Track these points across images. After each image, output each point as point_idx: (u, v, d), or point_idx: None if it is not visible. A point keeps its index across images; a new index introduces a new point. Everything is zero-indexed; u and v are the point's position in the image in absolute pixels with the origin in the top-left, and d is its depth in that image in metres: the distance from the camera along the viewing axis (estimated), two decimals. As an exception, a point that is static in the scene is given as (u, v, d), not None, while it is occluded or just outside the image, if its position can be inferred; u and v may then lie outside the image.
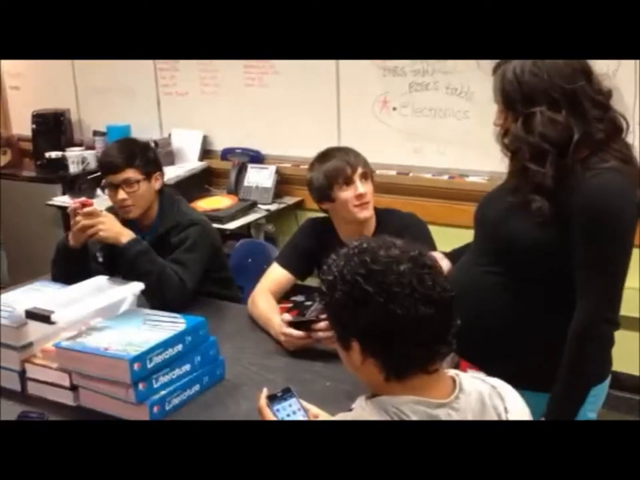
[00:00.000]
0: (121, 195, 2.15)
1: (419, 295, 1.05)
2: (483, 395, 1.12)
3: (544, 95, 1.43)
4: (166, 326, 1.65)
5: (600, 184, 1.41)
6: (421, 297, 1.05)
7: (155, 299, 1.97)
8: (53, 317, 1.64)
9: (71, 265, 2.12)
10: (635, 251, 2.40)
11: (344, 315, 1.10)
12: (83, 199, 2.12)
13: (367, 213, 2.02)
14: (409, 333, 1.05)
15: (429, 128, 3.07)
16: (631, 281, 2.36)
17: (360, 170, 2.00)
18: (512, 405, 1.13)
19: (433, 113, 3.04)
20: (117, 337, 1.60)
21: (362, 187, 1.99)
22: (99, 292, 1.83)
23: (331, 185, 1.99)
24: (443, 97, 3.00)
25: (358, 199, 1.99)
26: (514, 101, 1.47)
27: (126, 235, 2.06)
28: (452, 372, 1.15)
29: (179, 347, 1.60)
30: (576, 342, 1.45)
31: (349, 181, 1.98)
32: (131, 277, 1.97)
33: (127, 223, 2.15)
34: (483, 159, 2.83)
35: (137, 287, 1.85)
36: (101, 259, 2.22)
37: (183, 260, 2.11)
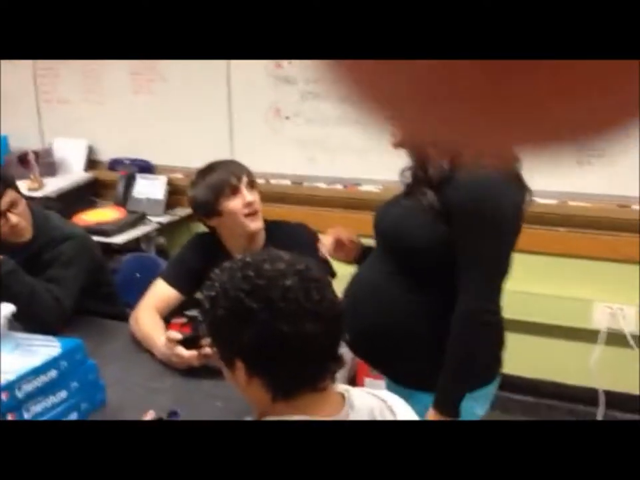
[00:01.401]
0: (13, 219, 1.96)
1: (305, 311, 1.00)
2: (373, 410, 1.08)
3: None
4: (39, 350, 1.51)
5: (474, 180, 1.44)
6: (308, 312, 1.00)
7: (28, 321, 1.82)
8: None
9: None
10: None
11: (227, 333, 1.04)
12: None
13: (258, 224, 1.94)
14: (296, 350, 1.00)
15: (321, 137, 3.05)
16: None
17: (245, 179, 1.92)
18: (403, 418, 1.11)
19: (326, 122, 3.03)
20: (-17, 364, 1.46)
21: (250, 195, 1.92)
22: (-36, 316, 1.67)
23: (217, 198, 1.89)
24: (335, 105, 3.00)
25: (247, 208, 1.91)
26: None
27: None
28: (342, 388, 1.11)
29: (53, 373, 1.47)
30: (458, 331, 1.46)
31: (235, 191, 1.90)
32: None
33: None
34: (375, 168, 2.85)
35: (7, 308, 1.70)
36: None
37: (58, 277, 1.96)
